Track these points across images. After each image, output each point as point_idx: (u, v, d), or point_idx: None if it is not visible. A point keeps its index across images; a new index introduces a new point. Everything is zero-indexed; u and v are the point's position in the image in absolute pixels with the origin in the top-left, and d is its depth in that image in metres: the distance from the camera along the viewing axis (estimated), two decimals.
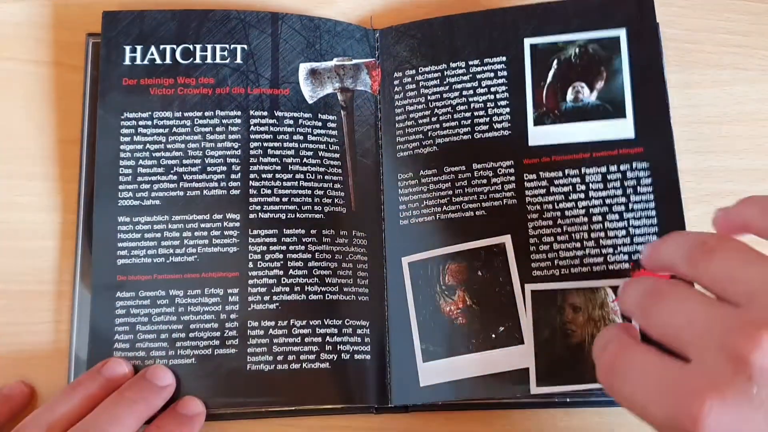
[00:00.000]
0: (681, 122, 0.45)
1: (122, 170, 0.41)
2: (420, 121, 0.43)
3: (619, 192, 0.41)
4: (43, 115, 0.44)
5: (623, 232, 0.40)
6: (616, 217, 0.40)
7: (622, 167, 0.41)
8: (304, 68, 0.43)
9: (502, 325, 0.40)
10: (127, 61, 0.42)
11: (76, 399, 0.36)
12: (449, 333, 0.40)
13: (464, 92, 0.43)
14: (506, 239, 0.41)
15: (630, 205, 0.40)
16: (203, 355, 0.39)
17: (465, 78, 0.43)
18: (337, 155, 0.43)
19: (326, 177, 0.42)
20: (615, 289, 0.39)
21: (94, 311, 0.39)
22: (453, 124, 0.43)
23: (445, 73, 0.44)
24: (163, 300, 0.40)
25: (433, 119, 0.43)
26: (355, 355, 0.40)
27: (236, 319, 0.40)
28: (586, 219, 0.41)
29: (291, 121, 0.43)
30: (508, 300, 0.40)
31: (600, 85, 0.42)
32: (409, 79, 0.44)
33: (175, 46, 0.43)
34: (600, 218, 0.41)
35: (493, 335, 0.40)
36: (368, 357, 0.40)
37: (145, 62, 0.42)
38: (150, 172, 0.41)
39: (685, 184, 0.43)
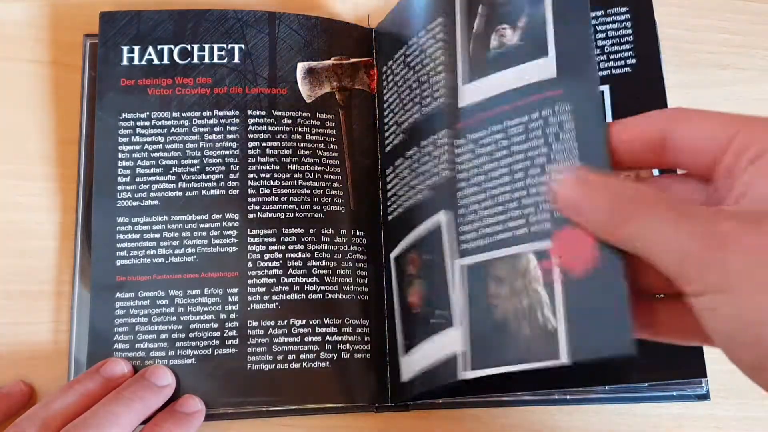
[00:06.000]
0: None
1: (121, 171, 0.41)
2: (396, 111, 0.42)
3: (541, 141, 0.33)
4: (42, 115, 0.44)
5: (545, 187, 0.33)
6: (538, 170, 0.33)
7: (544, 112, 0.33)
8: (301, 67, 0.43)
9: (440, 308, 0.36)
10: (125, 62, 0.42)
11: (74, 397, 0.36)
12: (413, 324, 0.38)
13: (416, 68, 0.40)
14: (441, 216, 0.37)
15: (552, 155, 0.33)
16: (203, 355, 0.39)
17: (416, 52, 0.40)
18: (335, 154, 0.43)
19: (325, 176, 0.42)
20: (537, 253, 0.32)
21: (94, 312, 0.39)
22: (410, 105, 0.40)
23: (406, 53, 0.41)
24: (163, 300, 0.40)
25: (400, 105, 0.41)
26: (355, 354, 0.40)
27: (236, 318, 0.40)
28: (508, 178, 0.34)
29: (289, 121, 0.43)
30: (442, 280, 0.36)
31: (522, 21, 0.36)
32: (390, 71, 0.43)
33: (172, 47, 0.43)
34: (522, 174, 0.34)
35: (432, 320, 0.36)
36: (368, 356, 0.40)
37: (143, 63, 0.42)
38: (148, 173, 0.41)
39: None
